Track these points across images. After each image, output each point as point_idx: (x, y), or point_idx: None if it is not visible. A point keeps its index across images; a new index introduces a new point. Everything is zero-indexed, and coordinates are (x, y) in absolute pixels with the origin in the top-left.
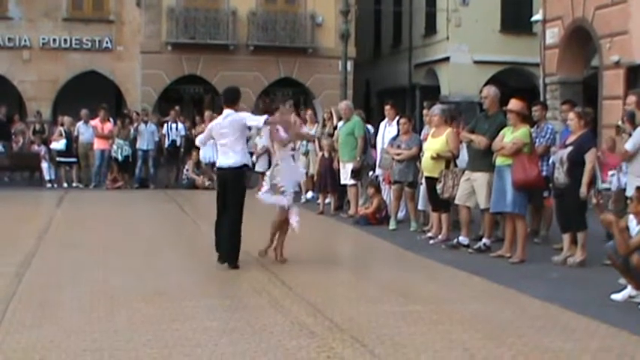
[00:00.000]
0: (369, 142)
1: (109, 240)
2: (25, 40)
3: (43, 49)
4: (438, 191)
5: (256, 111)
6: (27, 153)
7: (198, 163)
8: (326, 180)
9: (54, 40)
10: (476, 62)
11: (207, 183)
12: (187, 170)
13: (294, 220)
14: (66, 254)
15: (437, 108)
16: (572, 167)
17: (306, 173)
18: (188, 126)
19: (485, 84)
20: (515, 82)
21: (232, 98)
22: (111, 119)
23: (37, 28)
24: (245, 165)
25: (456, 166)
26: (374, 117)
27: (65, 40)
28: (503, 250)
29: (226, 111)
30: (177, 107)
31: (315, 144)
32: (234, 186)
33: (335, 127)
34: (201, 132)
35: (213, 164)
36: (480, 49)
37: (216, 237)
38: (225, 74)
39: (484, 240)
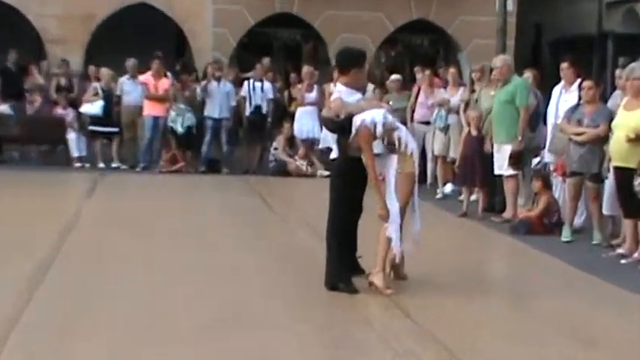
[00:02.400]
0: (540, 115)
1: (160, 248)
2: None
3: None
4: (635, 189)
5: (377, 69)
6: (47, 118)
7: (291, 140)
8: (473, 168)
9: None
10: None
11: (304, 168)
12: (276, 149)
13: (415, 235)
14: (96, 267)
15: (638, 67)
16: None
17: (444, 158)
18: (279, 86)
19: None
20: None
21: (343, 64)
22: (169, 74)
23: None
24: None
25: None
26: (545, 79)
27: None
28: None
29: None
30: (264, 59)
31: (459, 116)
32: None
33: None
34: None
35: (313, 142)
36: None
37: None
38: (331, 15)
39: None
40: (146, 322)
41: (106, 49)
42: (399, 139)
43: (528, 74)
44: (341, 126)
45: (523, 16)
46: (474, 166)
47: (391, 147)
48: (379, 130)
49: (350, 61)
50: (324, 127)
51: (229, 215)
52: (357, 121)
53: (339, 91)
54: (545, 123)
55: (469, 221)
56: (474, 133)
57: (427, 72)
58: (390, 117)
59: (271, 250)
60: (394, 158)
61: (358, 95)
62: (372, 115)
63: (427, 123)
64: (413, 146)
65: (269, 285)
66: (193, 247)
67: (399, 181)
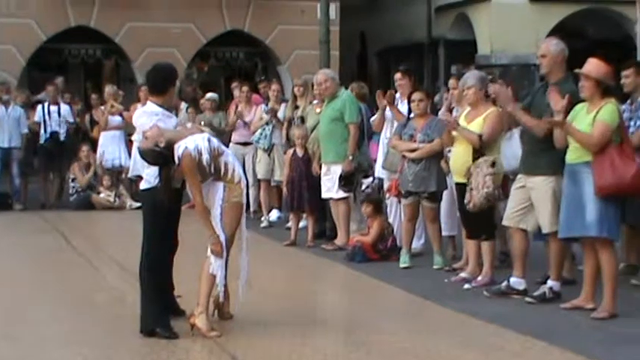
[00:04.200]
0: (366, 132)
1: None
2: None
3: None
4: (465, 201)
5: (189, 86)
6: None
7: (88, 165)
8: (300, 192)
9: None
10: (534, 0)
11: (111, 199)
12: (74, 179)
13: (242, 277)
14: None
15: (472, 76)
16: None
17: (268, 182)
18: (79, 109)
19: (549, 35)
20: (596, 32)
21: (154, 82)
22: None
23: None
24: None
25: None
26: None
27: None
28: (582, 299)
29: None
30: (58, 79)
31: (282, 134)
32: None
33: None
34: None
35: (120, 170)
36: None
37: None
38: (135, 27)
39: (550, 282)
40: None
41: None
42: (226, 165)
43: (354, 86)
44: (163, 156)
45: (347, 24)
46: (301, 189)
47: (217, 174)
48: (205, 157)
49: (165, 80)
50: (138, 157)
51: (23, 258)
52: (179, 149)
53: (156, 114)
54: (370, 139)
55: (299, 250)
56: (299, 153)
57: (245, 88)
58: (214, 141)
59: (76, 296)
60: (220, 186)
61: (174, 120)
62: (196, 142)
63: (246, 144)
64: (240, 172)
65: (70, 335)
66: None
67: (225, 211)
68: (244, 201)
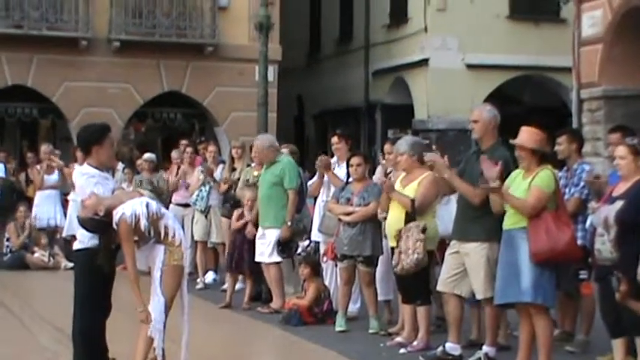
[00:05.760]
0: (305, 195)
1: None
2: None
3: None
4: (393, 263)
5: (125, 146)
6: None
7: (23, 226)
8: (241, 253)
9: None
10: (470, 67)
11: (45, 259)
12: (8, 239)
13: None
14: None
15: (404, 142)
16: (623, 234)
17: (205, 243)
18: (13, 167)
19: (486, 101)
20: (533, 98)
21: (82, 143)
22: None
23: None
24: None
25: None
26: (310, 155)
27: None
28: None
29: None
30: None
31: (219, 196)
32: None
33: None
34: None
35: (55, 230)
36: (476, 46)
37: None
38: (72, 86)
39: (485, 348)
40: None
41: None
42: (166, 228)
43: (286, 150)
44: (102, 224)
45: (285, 86)
46: (242, 251)
47: (157, 237)
48: (143, 223)
49: (88, 141)
50: (73, 216)
51: None
52: (116, 215)
53: (92, 176)
54: (306, 202)
55: (235, 313)
56: (247, 215)
57: (189, 149)
58: (153, 205)
59: (7, 356)
60: (160, 249)
61: (111, 182)
62: (133, 207)
63: (186, 205)
64: (181, 235)
65: None
66: None
67: (165, 274)
68: (186, 264)
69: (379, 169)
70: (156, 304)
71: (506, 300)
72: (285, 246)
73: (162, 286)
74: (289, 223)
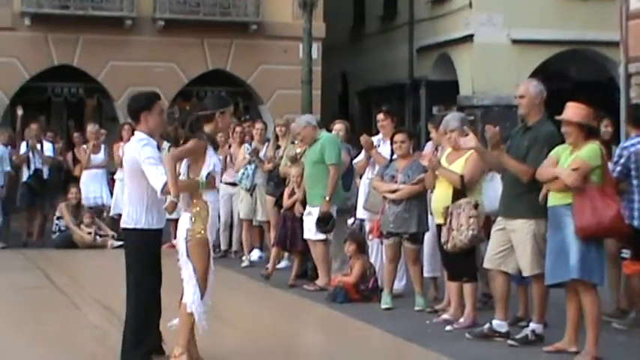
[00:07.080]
0: (353, 172)
1: None
2: None
3: None
4: (443, 241)
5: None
6: None
7: (77, 206)
8: (294, 230)
9: None
10: (516, 42)
11: (94, 237)
12: (59, 218)
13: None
14: None
15: (454, 118)
16: None
17: (250, 222)
18: (60, 147)
19: (531, 77)
20: (579, 73)
21: (131, 110)
22: None
23: None
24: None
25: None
26: (355, 131)
27: None
28: (565, 342)
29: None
30: (41, 117)
31: (264, 174)
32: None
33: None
34: (85, 156)
35: (101, 208)
36: (522, 21)
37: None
38: (117, 66)
39: (533, 325)
40: None
41: None
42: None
43: (340, 126)
44: None
45: (329, 64)
46: (295, 228)
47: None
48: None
49: (136, 108)
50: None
51: (4, 296)
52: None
53: (141, 140)
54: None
55: (280, 290)
56: (298, 192)
57: (238, 129)
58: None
59: (56, 337)
60: (186, 217)
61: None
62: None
63: (235, 184)
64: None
65: None
66: None
67: (190, 248)
68: (210, 237)
69: (429, 145)
70: (188, 277)
71: (556, 280)
72: (323, 222)
73: (190, 258)
74: (327, 199)
